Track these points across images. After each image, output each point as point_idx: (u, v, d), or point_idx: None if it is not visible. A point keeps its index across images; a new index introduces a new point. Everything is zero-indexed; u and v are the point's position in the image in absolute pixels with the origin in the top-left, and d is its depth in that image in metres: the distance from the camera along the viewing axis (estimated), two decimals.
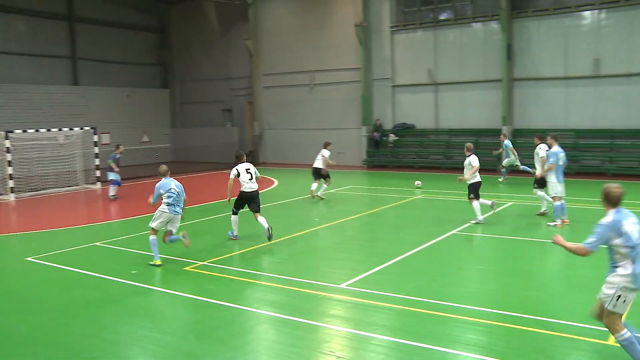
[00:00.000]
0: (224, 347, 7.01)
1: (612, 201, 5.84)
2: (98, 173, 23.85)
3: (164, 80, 37.74)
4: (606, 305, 5.80)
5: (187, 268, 10.54)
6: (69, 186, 23.06)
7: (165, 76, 37.74)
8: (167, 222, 10.93)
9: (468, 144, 14.06)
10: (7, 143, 21.02)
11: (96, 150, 23.96)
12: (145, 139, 35.08)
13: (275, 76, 32.03)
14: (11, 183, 20.99)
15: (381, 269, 10.19)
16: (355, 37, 28.55)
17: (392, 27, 28.12)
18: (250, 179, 12.71)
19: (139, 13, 35.84)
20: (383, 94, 28.80)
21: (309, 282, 9.46)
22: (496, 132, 24.86)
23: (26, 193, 21.59)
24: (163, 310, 8.48)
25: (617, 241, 5.70)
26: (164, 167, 11.20)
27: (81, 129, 24.54)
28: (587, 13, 23.53)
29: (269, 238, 12.38)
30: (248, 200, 12.83)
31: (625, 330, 5.75)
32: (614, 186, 5.88)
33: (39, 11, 30.45)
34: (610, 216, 5.80)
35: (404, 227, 14.02)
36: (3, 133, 21.27)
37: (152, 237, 10.79)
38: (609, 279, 5.83)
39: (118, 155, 19.92)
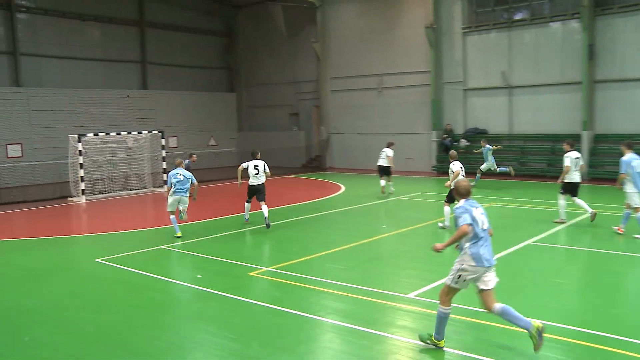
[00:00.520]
0: (288, 355, 6.98)
1: (462, 193, 7.09)
2: (165, 176, 24.51)
3: (231, 84, 38.47)
4: (447, 279, 7.00)
5: (251, 273, 10.62)
6: (137, 189, 23.79)
7: (231, 80, 38.46)
8: (178, 202, 14.14)
9: (452, 152, 14.82)
10: (80, 146, 21.94)
11: (164, 153, 24.66)
12: (212, 142, 35.84)
13: (343, 80, 32.06)
14: (82, 185, 21.89)
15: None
16: (425, 39, 28.19)
17: (464, 28, 27.59)
18: (255, 174, 15.01)
19: (207, 17, 36.70)
20: (454, 97, 28.30)
21: (376, 291, 9.33)
22: (574, 138, 23.95)
23: (96, 195, 22.42)
24: (227, 315, 8.54)
25: None
26: (178, 160, 14.64)
27: (149, 132, 25.32)
28: None
29: (267, 227, 14.59)
30: (255, 192, 15.10)
31: (450, 307, 6.93)
32: (462, 180, 7.29)
33: (112, 17, 31.68)
34: (462, 202, 7.01)
35: None
36: (76, 136, 22.22)
37: (171, 217, 14.28)
38: (457, 259, 6.93)
39: (190, 163, 20.96)
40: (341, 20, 31.91)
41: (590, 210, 14.13)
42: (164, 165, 24.59)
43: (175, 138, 32.94)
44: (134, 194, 23.28)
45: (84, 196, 21.79)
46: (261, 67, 36.86)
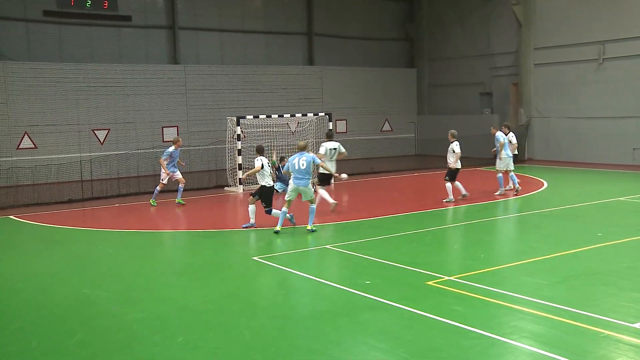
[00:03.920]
0: None
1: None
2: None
3: (411, 58, 38.55)
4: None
5: (429, 283, 10.59)
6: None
7: (412, 53, 38.52)
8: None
9: (452, 131, 19.39)
10: (238, 130, 23.17)
11: None
12: (387, 127, 36.17)
13: (551, 50, 30.72)
14: (240, 174, 23.13)
15: None
16: None
17: None
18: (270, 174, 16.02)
19: None
20: None
21: (587, 315, 8.87)
22: None
23: (255, 185, 23.50)
24: (400, 330, 8.59)
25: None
26: (302, 143, 15.69)
27: (315, 115, 26.13)
28: None
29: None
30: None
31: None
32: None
33: None
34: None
35: None
36: (234, 119, 23.50)
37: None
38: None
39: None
40: None
41: None
42: None
43: (344, 122, 33.77)
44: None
45: (241, 186, 23.04)
46: (448, 38, 36.51)
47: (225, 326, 9.02)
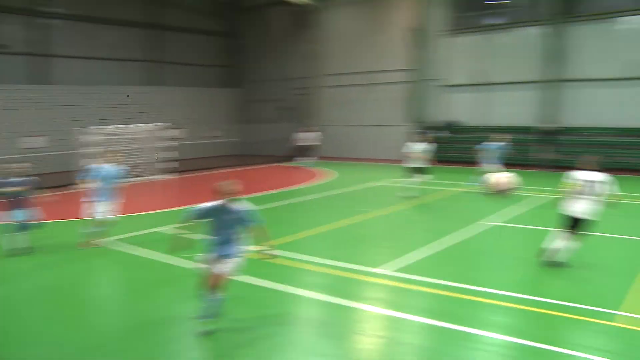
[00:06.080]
0: (266, 322, 7.39)
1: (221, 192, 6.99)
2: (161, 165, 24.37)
3: (233, 80, 38.52)
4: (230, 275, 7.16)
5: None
6: (136, 177, 23.11)
7: (234, 77, 38.50)
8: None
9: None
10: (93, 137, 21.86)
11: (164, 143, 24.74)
12: (215, 133, 35.99)
13: (335, 76, 32.28)
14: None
15: (419, 256, 10.36)
16: (409, 40, 28.49)
17: (446, 31, 27.92)
18: None
19: (211, 19, 36.57)
20: (434, 94, 28.70)
21: (352, 268, 9.66)
22: (528, 130, 24.29)
23: None
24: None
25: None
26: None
27: (155, 124, 25.15)
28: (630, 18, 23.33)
29: None
30: None
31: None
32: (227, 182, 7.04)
33: (123, 20, 31.63)
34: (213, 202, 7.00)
35: (441, 218, 14.14)
36: (90, 128, 22.11)
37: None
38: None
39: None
40: (335, 22, 32.09)
41: None
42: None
43: (180, 130, 33.03)
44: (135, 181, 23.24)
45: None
46: (261, 65, 36.85)
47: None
